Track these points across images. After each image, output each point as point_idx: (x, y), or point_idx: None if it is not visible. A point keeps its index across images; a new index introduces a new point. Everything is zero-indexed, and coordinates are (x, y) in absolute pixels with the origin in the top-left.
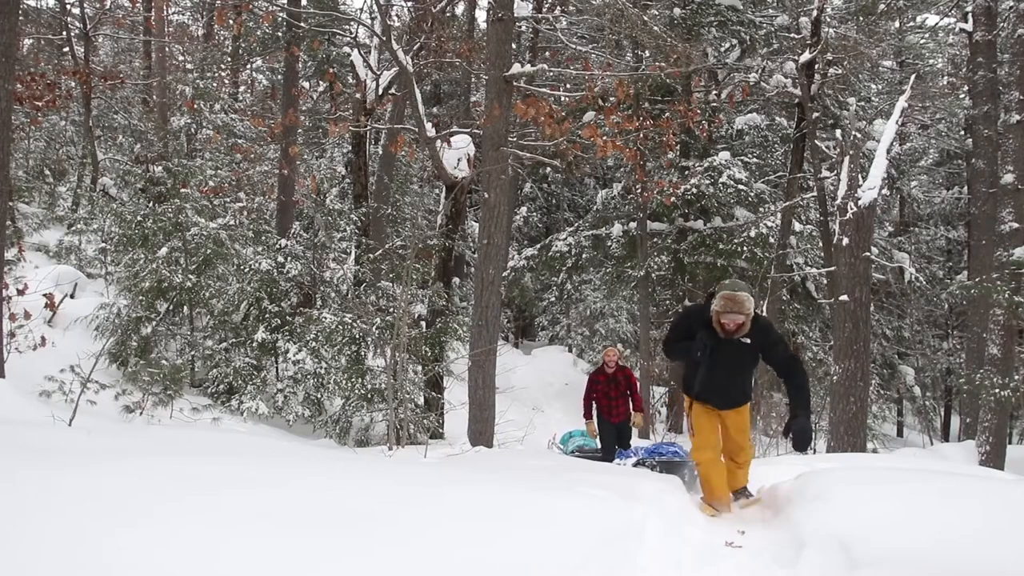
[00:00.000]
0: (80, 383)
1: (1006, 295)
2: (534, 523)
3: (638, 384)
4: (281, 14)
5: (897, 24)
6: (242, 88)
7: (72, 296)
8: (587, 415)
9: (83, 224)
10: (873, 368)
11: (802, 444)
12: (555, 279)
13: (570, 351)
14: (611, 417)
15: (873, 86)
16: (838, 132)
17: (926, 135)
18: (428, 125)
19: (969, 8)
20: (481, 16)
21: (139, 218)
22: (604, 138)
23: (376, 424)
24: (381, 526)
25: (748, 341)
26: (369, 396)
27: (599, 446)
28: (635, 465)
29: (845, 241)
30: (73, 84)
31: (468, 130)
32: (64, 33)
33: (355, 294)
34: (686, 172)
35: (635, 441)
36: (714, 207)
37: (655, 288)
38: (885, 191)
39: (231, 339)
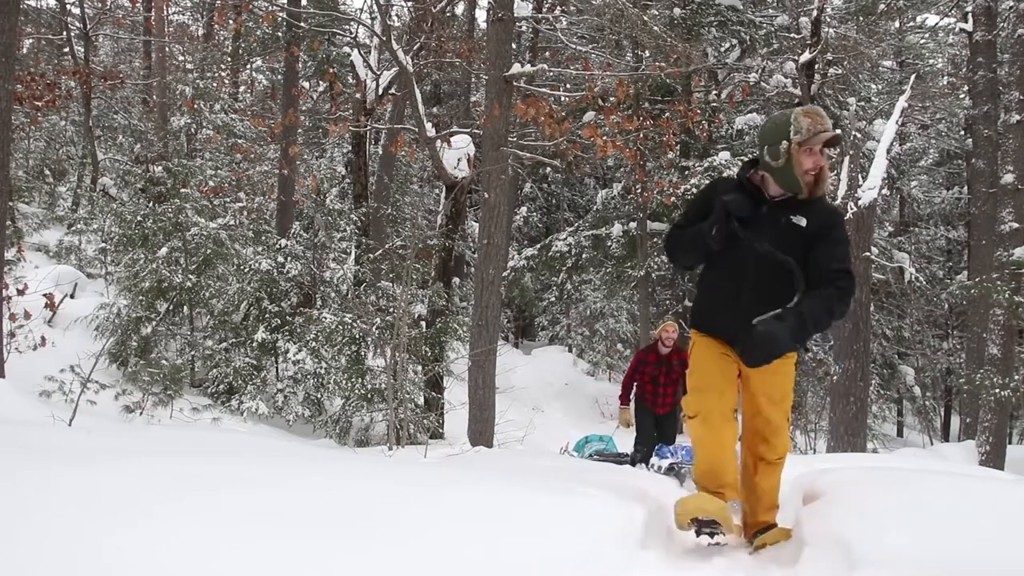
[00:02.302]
0: (80, 383)
1: (1006, 295)
2: (534, 523)
3: None
4: (281, 14)
5: (897, 24)
6: (242, 88)
7: (72, 296)
8: (624, 399)
9: (83, 224)
10: (873, 368)
11: (756, 352)
12: (555, 279)
13: (570, 351)
14: (655, 407)
15: (873, 86)
16: (838, 132)
17: (926, 135)
18: (428, 125)
19: (969, 8)
20: (481, 16)
21: (139, 218)
22: (604, 138)
23: (376, 424)
24: (381, 526)
25: (803, 223)
26: (369, 396)
27: (619, 450)
28: (669, 468)
29: None
30: (73, 84)
31: (468, 130)
32: (64, 33)
33: (355, 294)
34: (686, 172)
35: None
36: None
37: (655, 288)
38: (885, 191)
39: (231, 339)
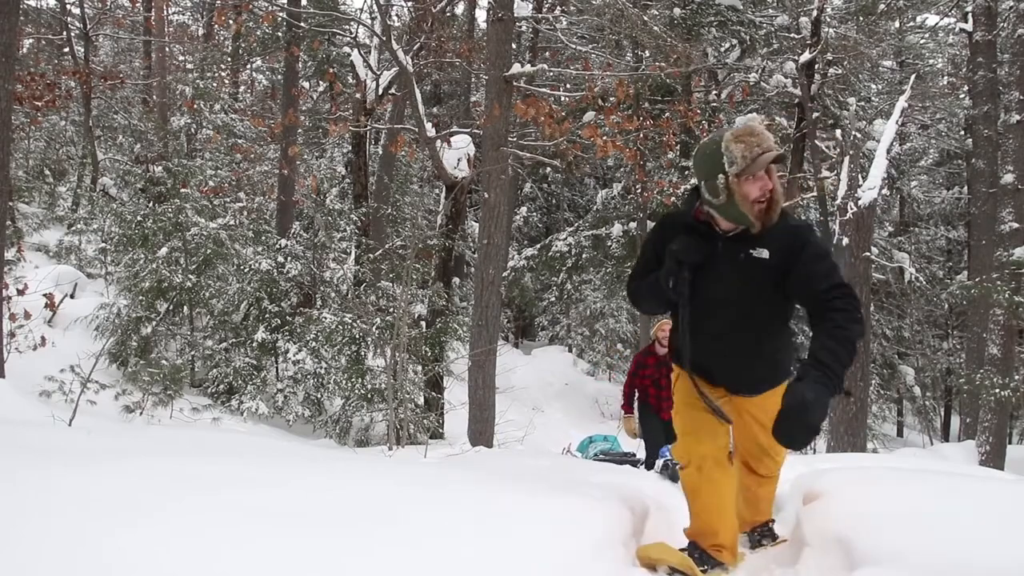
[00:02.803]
0: (80, 383)
1: (1006, 295)
2: (535, 523)
3: None
4: (281, 14)
5: (897, 24)
6: (242, 88)
7: (72, 296)
8: (627, 408)
9: (83, 224)
10: (873, 368)
11: (793, 431)
12: (555, 279)
13: (570, 351)
14: (660, 412)
15: (873, 86)
16: (838, 132)
17: (926, 135)
18: (428, 125)
19: (969, 8)
20: (481, 16)
21: (139, 218)
22: (604, 138)
23: (376, 424)
24: (381, 526)
25: (765, 255)
26: (369, 396)
27: (624, 450)
28: (664, 467)
29: (845, 241)
30: (73, 84)
31: (468, 130)
32: (64, 33)
33: (355, 294)
34: (686, 172)
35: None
36: None
37: None
38: (885, 191)
39: (231, 339)
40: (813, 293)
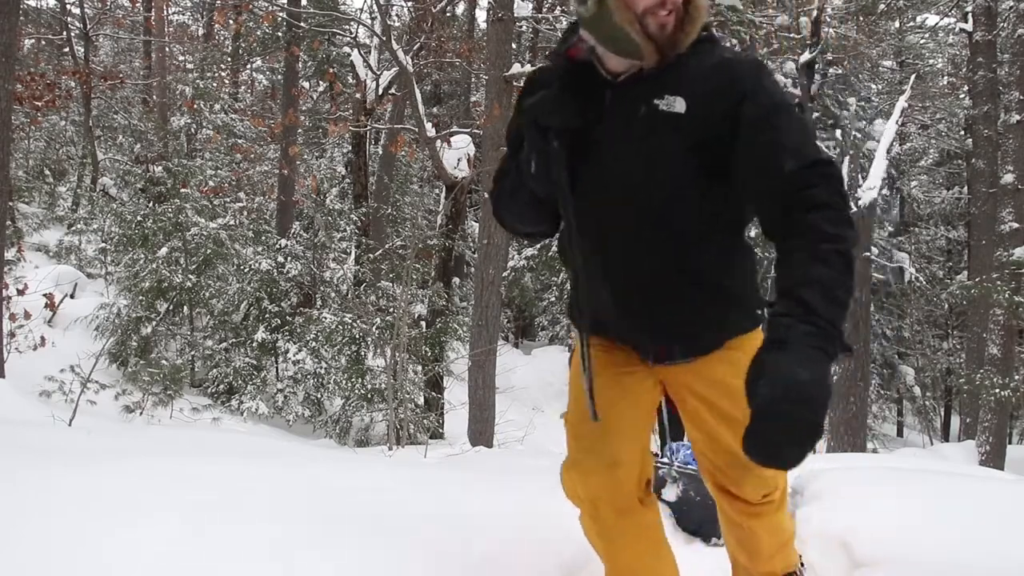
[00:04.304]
0: (80, 383)
1: (1006, 295)
2: (535, 523)
3: None
4: (281, 14)
5: (897, 24)
6: (242, 88)
7: (72, 296)
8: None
9: (83, 224)
10: (873, 368)
11: (776, 441)
12: (555, 279)
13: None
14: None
15: (873, 86)
16: (838, 132)
17: (926, 135)
18: (428, 125)
19: (969, 8)
20: (481, 16)
21: (139, 218)
22: None
23: (376, 424)
24: (381, 525)
25: (679, 107)
26: (369, 396)
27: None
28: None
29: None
30: (73, 84)
31: (468, 130)
32: (64, 33)
33: (355, 294)
34: None
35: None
36: None
37: None
38: (885, 191)
39: (231, 339)
40: (771, 180)
